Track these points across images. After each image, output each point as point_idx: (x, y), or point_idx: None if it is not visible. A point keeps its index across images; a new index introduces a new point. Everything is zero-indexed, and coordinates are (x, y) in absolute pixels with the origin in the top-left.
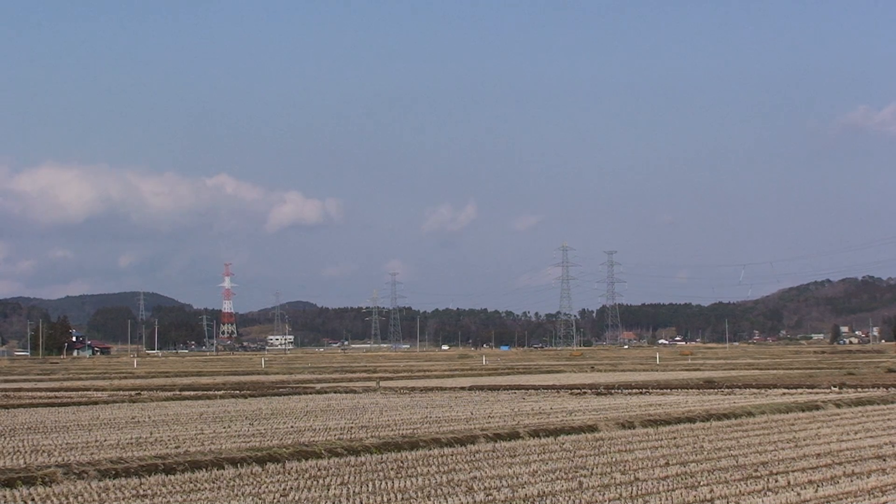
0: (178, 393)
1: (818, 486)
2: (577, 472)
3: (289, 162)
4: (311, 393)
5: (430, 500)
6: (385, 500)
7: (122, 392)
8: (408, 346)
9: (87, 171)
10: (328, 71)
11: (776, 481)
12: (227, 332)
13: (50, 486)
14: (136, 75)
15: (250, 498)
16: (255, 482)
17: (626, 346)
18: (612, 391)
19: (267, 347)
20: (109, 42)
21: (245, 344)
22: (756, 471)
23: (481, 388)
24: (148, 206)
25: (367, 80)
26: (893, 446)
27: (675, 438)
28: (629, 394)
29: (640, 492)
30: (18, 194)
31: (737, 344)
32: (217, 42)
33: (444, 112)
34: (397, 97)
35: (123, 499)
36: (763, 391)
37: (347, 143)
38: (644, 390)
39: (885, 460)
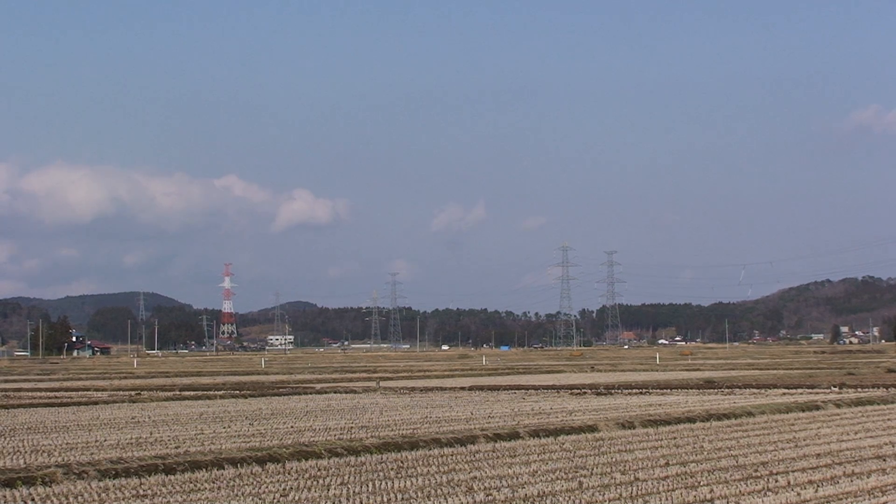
0: (178, 393)
1: (818, 486)
2: (577, 472)
3: (296, 163)
4: (311, 393)
5: (430, 500)
6: (385, 500)
7: (122, 392)
8: (408, 347)
9: (95, 172)
10: (336, 72)
11: (776, 481)
12: (227, 332)
13: (50, 486)
14: (144, 76)
15: (250, 498)
16: (255, 482)
17: (626, 347)
18: (612, 391)
19: (267, 347)
20: (118, 43)
21: (245, 344)
22: (756, 471)
23: (481, 388)
24: (155, 207)
25: (374, 81)
26: (893, 446)
27: (675, 438)
28: (629, 394)
29: (640, 492)
30: (27, 194)
31: (737, 344)
32: (224, 43)
33: (451, 113)
34: (404, 98)
35: (123, 499)
36: (763, 391)
37: (355, 145)
38: (644, 390)
39: (885, 460)
